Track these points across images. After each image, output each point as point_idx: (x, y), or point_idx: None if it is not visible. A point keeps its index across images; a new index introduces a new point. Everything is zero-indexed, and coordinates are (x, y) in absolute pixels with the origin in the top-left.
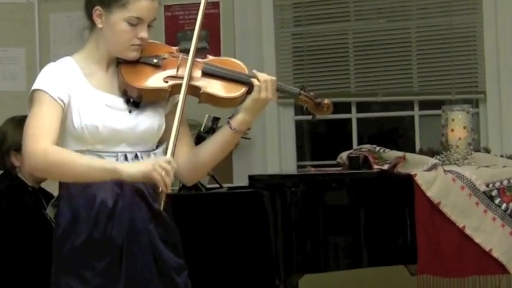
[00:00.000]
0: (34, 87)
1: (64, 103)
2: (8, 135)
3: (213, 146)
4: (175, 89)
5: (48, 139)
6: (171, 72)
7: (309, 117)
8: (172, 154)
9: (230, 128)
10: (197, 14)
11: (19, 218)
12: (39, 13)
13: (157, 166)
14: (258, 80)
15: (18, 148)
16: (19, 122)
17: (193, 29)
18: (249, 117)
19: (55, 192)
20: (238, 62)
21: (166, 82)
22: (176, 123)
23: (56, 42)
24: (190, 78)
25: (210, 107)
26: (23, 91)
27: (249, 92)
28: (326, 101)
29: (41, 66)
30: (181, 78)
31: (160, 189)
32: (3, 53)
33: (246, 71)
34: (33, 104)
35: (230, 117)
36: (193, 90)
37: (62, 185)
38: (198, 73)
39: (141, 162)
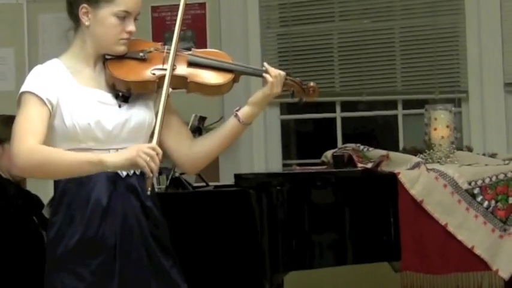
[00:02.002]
0: (22, 89)
1: (52, 104)
2: None
3: (220, 137)
4: (163, 80)
5: (34, 139)
6: (158, 65)
7: (296, 116)
8: (157, 141)
9: (238, 121)
10: (185, 14)
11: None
12: (28, 14)
13: (141, 152)
14: (271, 75)
15: (0, 140)
16: (5, 118)
17: (182, 30)
18: (257, 110)
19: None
20: (222, 52)
21: (154, 74)
22: (161, 109)
23: (44, 42)
24: (177, 69)
25: (197, 107)
26: (12, 91)
27: (235, 80)
28: (312, 83)
29: (30, 66)
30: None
31: (146, 175)
32: None
33: (230, 60)
34: (21, 105)
35: (237, 110)
36: (181, 81)
37: (57, 185)
38: (183, 64)
39: (125, 150)
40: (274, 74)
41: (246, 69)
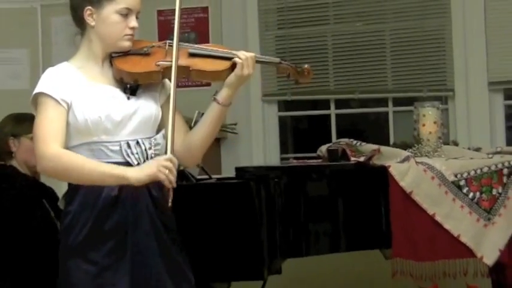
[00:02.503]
0: (37, 90)
1: (67, 104)
2: (8, 126)
3: (205, 123)
4: (167, 70)
5: (57, 142)
6: (161, 57)
7: (293, 113)
8: (172, 151)
9: (218, 103)
10: (188, 18)
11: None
12: (42, 17)
13: (160, 167)
14: (240, 57)
15: (15, 135)
16: (18, 115)
17: (184, 32)
18: (232, 91)
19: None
20: (222, 46)
21: (158, 65)
22: (171, 120)
23: (57, 44)
24: (180, 60)
25: (199, 105)
26: (26, 89)
27: (233, 67)
28: (306, 66)
29: (44, 66)
30: (171, 61)
31: (165, 187)
32: (8, 53)
33: (229, 50)
34: (39, 107)
35: (214, 95)
36: (184, 70)
37: None
38: (185, 55)
39: (146, 166)
40: (244, 56)
41: (221, 53)
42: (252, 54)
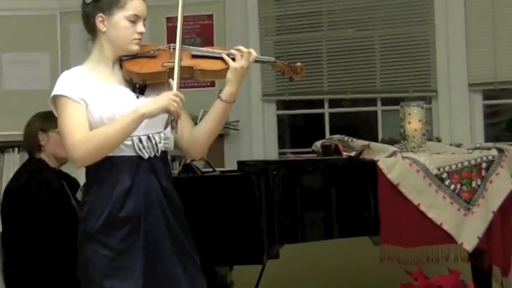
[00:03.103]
0: (56, 92)
1: (85, 102)
2: (37, 121)
3: (209, 119)
4: (172, 71)
5: (82, 131)
6: (166, 59)
7: (290, 112)
8: (177, 88)
9: (221, 100)
10: (194, 24)
11: (40, 194)
12: (61, 23)
13: (170, 100)
14: (233, 53)
15: (44, 129)
16: (46, 113)
17: (191, 38)
18: (233, 87)
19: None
20: (222, 47)
21: (164, 66)
22: (177, 63)
23: (74, 47)
24: (183, 61)
25: (204, 104)
26: (47, 89)
27: None
28: (299, 64)
29: (62, 68)
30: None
31: (172, 117)
32: (30, 56)
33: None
34: (61, 108)
35: (219, 93)
36: (188, 70)
37: (89, 171)
38: (188, 56)
39: (158, 99)
40: (237, 48)
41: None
42: (250, 50)
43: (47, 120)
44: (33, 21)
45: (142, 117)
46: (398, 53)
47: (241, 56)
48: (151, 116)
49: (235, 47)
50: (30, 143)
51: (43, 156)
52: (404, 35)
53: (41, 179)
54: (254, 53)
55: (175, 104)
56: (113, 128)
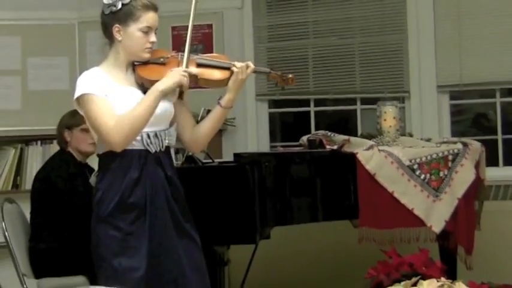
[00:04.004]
0: (83, 92)
1: (107, 97)
2: (64, 119)
3: (210, 121)
4: None
5: (114, 118)
6: (174, 66)
7: (280, 110)
8: (186, 66)
9: (220, 106)
10: (196, 33)
11: (64, 184)
12: (78, 32)
13: (181, 76)
14: (236, 66)
15: (69, 126)
16: (72, 111)
17: (194, 44)
18: (233, 95)
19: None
20: (223, 55)
21: None
22: (188, 43)
23: (90, 53)
24: (189, 69)
25: (205, 102)
26: (66, 89)
27: (231, 74)
28: (290, 75)
29: (80, 71)
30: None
31: (180, 91)
32: (52, 61)
33: (228, 60)
34: (88, 104)
35: (219, 99)
36: (193, 78)
37: (101, 160)
38: (194, 65)
39: (170, 76)
40: (239, 65)
41: (221, 63)
42: (246, 63)
43: (73, 117)
44: (55, 30)
45: (162, 93)
46: (375, 58)
47: (242, 69)
48: (168, 90)
49: (236, 64)
50: (59, 139)
51: (70, 150)
52: (380, 43)
53: (64, 170)
54: (252, 66)
55: (185, 78)
56: (140, 108)
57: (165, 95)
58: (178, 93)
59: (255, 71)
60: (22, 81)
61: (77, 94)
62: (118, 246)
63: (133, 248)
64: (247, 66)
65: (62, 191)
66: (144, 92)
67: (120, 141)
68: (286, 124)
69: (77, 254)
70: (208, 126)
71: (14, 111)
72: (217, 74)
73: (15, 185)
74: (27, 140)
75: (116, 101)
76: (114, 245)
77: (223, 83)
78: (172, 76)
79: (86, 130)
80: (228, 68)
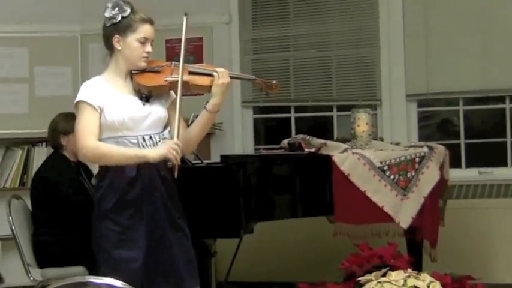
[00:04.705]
0: (79, 98)
1: (101, 108)
2: (59, 124)
3: (197, 125)
4: (173, 84)
5: (93, 137)
6: (168, 74)
7: (264, 115)
8: (177, 137)
9: (206, 110)
10: (187, 45)
11: (62, 184)
12: (81, 43)
13: (170, 149)
14: (216, 71)
15: (65, 132)
16: (66, 115)
17: (186, 56)
18: (217, 100)
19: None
20: (211, 64)
21: (166, 80)
22: (177, 116)
23: (92, 63)
24: (183, 76)
25: (194, 109)
26: (69, 95)
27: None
28: (274, 81)
29: (82, 79)
30: (176, 77)
31: (172, 163)
32: (57, 69)
33: (214, 68)
34: (80, 111)
35: (205, 104)
36: (185, 85)
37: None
38: (186, 73)
39: (160, 148)
40: (219, 70)
41: (207, 71)
42: (224, 70)
43: (68, 122)
44: (59, 42)
45: (144, 159)
46: (350, 70)
47: (220, 75)
48: (154, 161)
49: (216, 69)
50: (54, 142)
51: (65, 152)
52: (355, 55)
53: (61, 170)
54: (225, 71)
55: (174, 152)
56: (120, 152)
57: (146, 161)
58: (173, 167)
59: (240, 78)
60: (29, 88)
61: (76, 100)
62: (117, 239)
63: (131, 240)
64: (225, 72)
65: (61, 190)
66: (141, 97)
67: (85, 158)
68: (269, 129)
69: (75, 247)
70: (196, 129)
71: (22, 115)
72: (206, 80)
73: (22, 183)
74: (33, 142)
75: (114, 107)
76: (114, 238)
77: (209, 88)
78: (162, 150)
79: None
80: (210, 75)
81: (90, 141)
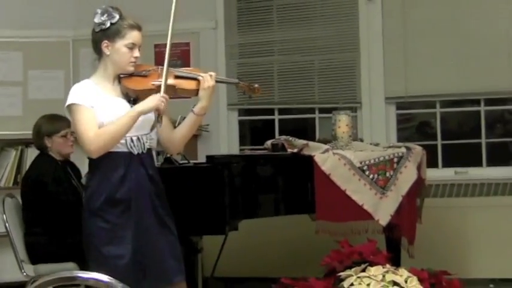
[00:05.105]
0: (72, 101)
1: (93, 108)
2: (43, 126)
3: (185, 127)
4: (159, 88)
5: (94, 128)
6: (155, 78)
7: (249, 117)
8: (164, 91)
9: (193, 113)
10: (175, 50)
11: (51, 185)
12: (73, 47)
13: (159, 101)
14: (202, 75)
15: (49, 134)
16: (49, 117)
17: (173, 60)
18: (204, 103)
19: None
20: (197, 68)
21: (153, 84)
22: (164, 74)
23: (83, 67)
24: (168, 80)
25: (181, 111)
26: (62, 98)
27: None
28: (256, 85)
29: (74, 82)
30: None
31: (158, 113)
32: (49, 73)
33: (200, 72)
34: (75, 114)
35: (192, 107)
36: (172, 88)
37: (91, 161)
38: (172, 77)
39: (150, 100)
40: (204, 74)
41: (192, 75)
42: (212, 73)
43: (51, 123)
44: (52, 47)
45: (139, 114)
46: (332, 74)
47: (207, 78)
48: (145, 112)
49: (201, 74)
50: (39, 144)
51: (51, 153)
52: (336, 60)
53: (49, 171)
54: (214, 74)
55: (163, 104)
56: (117, 125)
57: (142, 115)
58: (158, 116)
59: (224, 81)
60: (23, 91)
61: (67, 103)
62: (107, 236)
63: (120, 237)
64: (211, 75)
65: (49, 190)
66: (128, 100)
67: (96, 150)
68: (255, 130)
69: (66, 246)
70: (183, 131)
71: (16, 117)
72: (192, 84)
73: (16, 182)
74: (27, 143)
75: (103, 109)
76: (104, 235)
77: (195, 92)
78: (151, 100)
79: (65, 136)
80: (196, 79)
81: (91, 133)
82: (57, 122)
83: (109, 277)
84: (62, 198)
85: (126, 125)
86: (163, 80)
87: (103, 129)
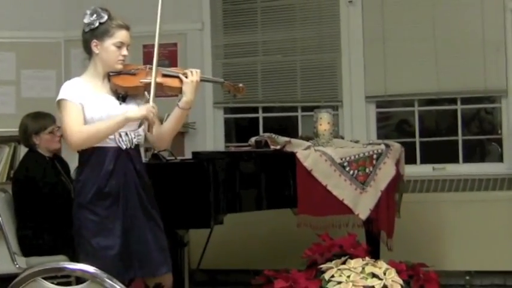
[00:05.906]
0: (61, 97)
1: (82, 105)
2: (29, 125)
3: (170, 121)
4: (147, 85)
5: (80, 124)
6: (143, 76)
7: (234, 115)
8: (153, 101)
9: (178, 107)
10: (163, 50)
11: (40, 181)
12: (65, 48)
13: (148, 111)
14: (185, 72)
15: (36, 132)
16: (34, 116)
17: (161, 60)
18: (187, 97)
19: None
20: (183, 68)
21: (141, 82)
22: (153, 83)
23: (74, 67)
24: (155, 78)
25: (168, 109)
26: (53, 97)
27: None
28: (241, 85)
29: (65, 81)
30: (150, 79)
31: (147, 123)
32: (42, 73)
33: (184, 71)
34: (64, 109)
35: (178, 101)
36: (159, 86)
37: (81, 156)
38: (159, 76)
39: (138, 109)
40: (189, 69)
41: (177, 73)
42: (198, 70)
43: (37, 121)
44: (44, 47)
45: (127, 120)
46: (314, 73)
47: (191, 73)
48: (133, 120)
49: (187, 71)
50: (27, 143)
51: (39, 150)
52: (318, 60)
53: (38, 168)
54: (199, 71)
55: (152, 114)
56: (103, 125)
57: (129, 122)
58: (147, 126)
59: (209, 80)
60: (16, 90)
61: (57, 98)
62: (96, 228)
63: (108, 229)
64: (196, 72)
65: (39, 187)
66: (117, 97)
67: (76, 144)
68: (239, 128)
69: (57, 239)
70: (169, 125)
71: (9, 115)
72: (178, 82)
73: (9, 178)
74: (19, 140)
75: (93, 105)
76: (93, 227)
77: (181, 89)
78: (141, 109)
79: (52, 132)
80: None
81: (75, 128)
82: (43, 119)
83: (95, 268)
84: (51, 193)
85: (111, 128)
86: (151, 92)
87: (88, 126)
